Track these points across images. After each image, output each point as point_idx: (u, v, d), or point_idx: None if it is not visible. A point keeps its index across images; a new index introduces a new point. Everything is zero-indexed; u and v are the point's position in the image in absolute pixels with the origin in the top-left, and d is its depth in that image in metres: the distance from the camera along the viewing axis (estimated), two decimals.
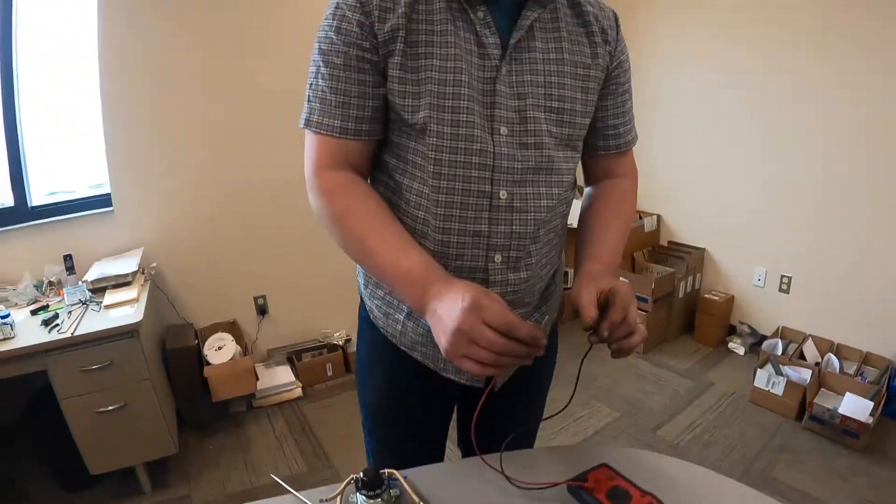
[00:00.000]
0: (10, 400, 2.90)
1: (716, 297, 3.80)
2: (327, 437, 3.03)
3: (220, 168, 3.28)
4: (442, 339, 0.87)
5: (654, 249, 4.20)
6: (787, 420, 2.99)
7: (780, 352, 3.29)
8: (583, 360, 1.11)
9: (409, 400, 1.28)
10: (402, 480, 0.96)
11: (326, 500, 0.92)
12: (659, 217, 4.25)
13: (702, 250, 3.99)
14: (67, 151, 3.13)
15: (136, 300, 2.64)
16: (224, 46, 3.16)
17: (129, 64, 2.96)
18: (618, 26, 1.18)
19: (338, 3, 1.01)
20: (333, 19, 1.01)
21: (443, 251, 1.08)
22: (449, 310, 0.86)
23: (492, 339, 0.82)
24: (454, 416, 1.42)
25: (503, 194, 1.05)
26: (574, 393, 1.20)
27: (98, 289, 2.74)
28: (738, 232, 3.76)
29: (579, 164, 1.24)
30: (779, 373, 3.05)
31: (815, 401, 2.85)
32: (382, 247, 0.99)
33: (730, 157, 3.71)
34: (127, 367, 2.49)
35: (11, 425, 3.00)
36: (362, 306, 1.32)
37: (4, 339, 2.31)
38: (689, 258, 3.89)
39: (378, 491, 0.90)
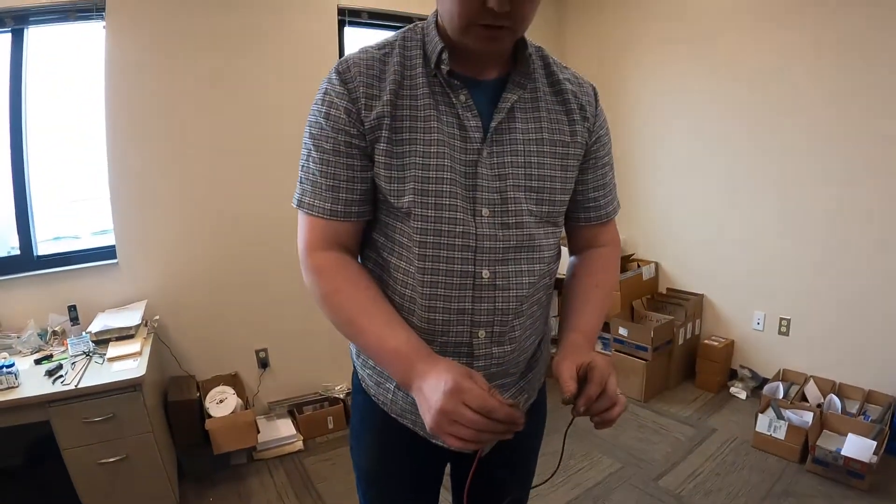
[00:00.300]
0: (13, 445, 2.92)
1: (715, 343, 3.81)
2: (328, 491, 3.01)
3: (224, 222, 3.35)
4: (426, 416, 0.91)
5: (653, 297, 4.22)
6: (790, 464, 2.96)
7: (781, 395, 3.29)
8: (566, 433, 1.17)
9: (400, 465, 1.31)
10: None
11: None
12: (657, 265, 4.28)
13: (700, 296, 4.01)
14: (73, 197, 3.22)
15: (139, 353, 2.66)
16: (231, 102, 3.27)
17: (136, 116, 3.06)
18: (597, 101, 1.23)
19: (326, 88, 1.07)
20: (322, 105, 1.07)
21: (429, 328, 1.11)
22: (433, 390, 0.90)
23: (472, 420, 0.86)
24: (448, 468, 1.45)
25: (486, 273, 1.09)
26: (559, 464, 1.29)
27: (101, 340, 2.77)
28: (736, 276, 3.80)
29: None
30: (780, 417, 3.05)
31: (818, 443, 2.84)
32: (370, 326, 1.04)
33: (726, 203, 3.77)
34: (129, 420, 2.50)
35: (14, 470, 3.00)
36: (355, 374, 1.36)
37: (9, 388, 2.33)
38: (687, 304, 3.92)
39: None
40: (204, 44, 3.19)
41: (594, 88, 1.24)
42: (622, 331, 3.80)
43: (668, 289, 4.24)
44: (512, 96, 1.10)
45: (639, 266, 4.24)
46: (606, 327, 4.04)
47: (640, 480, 2.96)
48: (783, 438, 2.99)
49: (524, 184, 1.09)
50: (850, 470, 2.70)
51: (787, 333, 3.55)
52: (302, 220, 1.12)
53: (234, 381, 3.45)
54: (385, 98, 1.05)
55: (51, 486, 2.64)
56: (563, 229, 1.28)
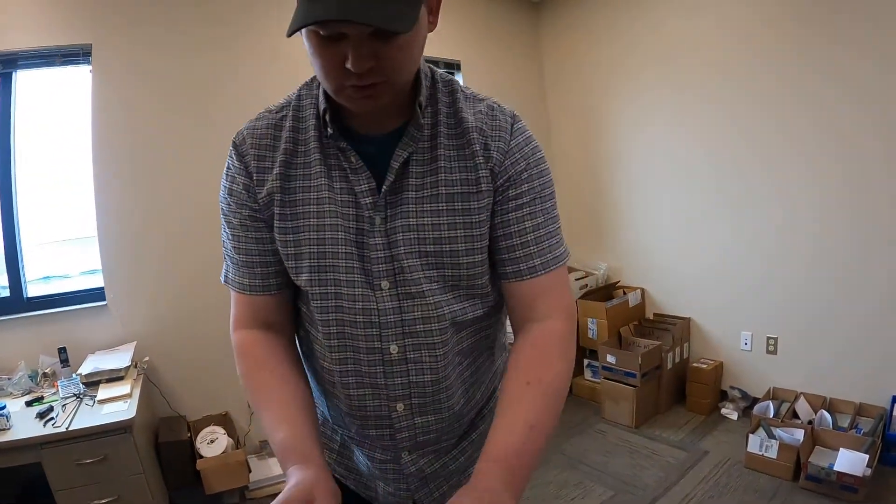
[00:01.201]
0: (5, 485, 2.85)
1: (704, 366, 3.83)
2: None
3: (213, 261, 3.34)
4: None
5: (640, 323, 4.25)
6: (783, 482, 2.96)
7: (771, 413, 3.31)
8: None
9: None
10: None
11: None
12: (643, 290, 4.32)
13: (687, 319, 4.04)
14: (62, 237, 3.25)
15: (129, 395, 2.66)
16: (217, 140, 3.29)
17: (121, 157, 3.11)
18: (513, 131, 1.03)
19: (228, 163, 1.05)
20: (226, 180, 1.05)
21: (347, 401, 1.10)
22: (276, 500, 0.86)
23: None
24: None
25: (393, 349, 1.03)
26: None
27: (91, 382, 2.75)
28: (722, 298, 3.84)
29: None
30: (771, 436, 3.06)
31: (811, 460, 2.85)
32: (266, 414, 1.00)
33: (710, 227, 3.84)
34: (120, 461, 2.49)
35: None
36: None
37: (0, 431, 2.32)
38: (674, 329, 3.94)
39: None
40: (189, 83, 3.25)
41: (512, 117, 1.05)
42: (610, 358, 3.81)
43: (654, 314, 4.27)
44: (403, 153, 0.98)
45: (624, 293, 4.28)
46: (594, 355, 4.07)
47: None
48: (775, 457, 3.00)
49: (418, 249, 0.99)
50: (844, 484, 2.71)
51: (774, 352, 3.59)
52: (231, 296, 1.11)
53: (224, 420, 3.42)
54: (276, 171, 1.01)
55: None
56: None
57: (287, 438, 0.94)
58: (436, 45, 3.92)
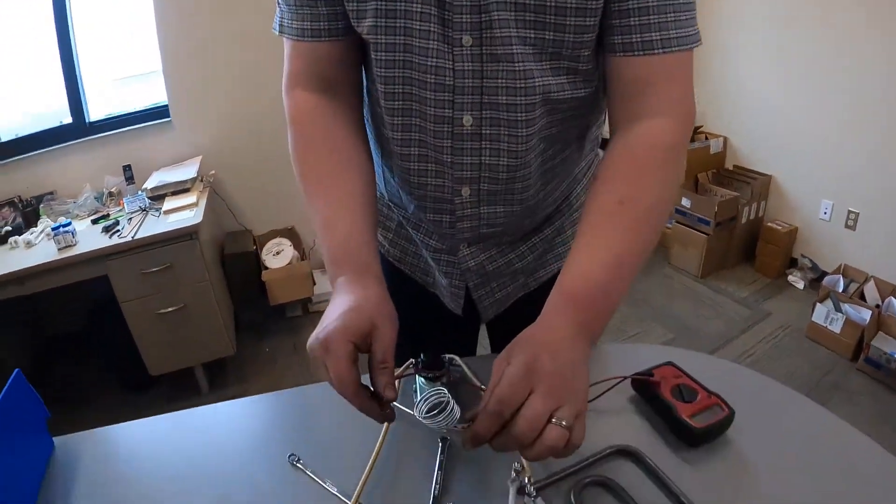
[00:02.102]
0: (74, 309, 3.08)
1: (779, 227, 3.66)
2: None
3: (277, 73, 3.24)
4: (312, 336, 0.72)
5: (719, 172, 4.03)
6: (841, 360, 2.91)
7: (840, 289, 3.17)
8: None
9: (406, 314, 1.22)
10: (463, 366, 0.91)
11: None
12: (725, 139, 4.05)
13: (768, 177, 3.80)
14: (123, 74, 3.21)
15: (195, 205, 2.71)
16: None
17: None
18: None
19: None
20: None
21: (404, 177, 0.95)
22: (326, 316, 0.74)
23: (327, 380, 0.70)
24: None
25: (467, 120, 0.85)
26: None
27: (157, 196, 2.82)
28: (808, 161, 3.56)
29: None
30: (838, 309, 2.96)
31: (873, 343, 2.76)
32: (317, 204, 0.86)
33: (806, 82, 3.46)
34: (186, 269, 2.58)
35: (76, 334, 3.19)
36: None
37: (67, 247, 2.42)
38: (754, 184, 3.73)
39: (438, 373, 0.86)
40: None
41: None
42: (685, 202, 3.67)
43: (734, 166, 4.03)
44: None
45: (707, 139, 4.02)
46: None
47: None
48: (838, 332, 2.92)
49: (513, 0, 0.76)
50: None
51: (853, 228, 3.36)
52: (285, 49, 0.92)
53: (290, 234, 3.49)
54: None
55: (113, 343, 2.78)
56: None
57: (342, 242, 0.82)
58: None
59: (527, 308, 0.88)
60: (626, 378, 0.87)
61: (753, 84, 3.76)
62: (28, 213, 2.77)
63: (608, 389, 0.85)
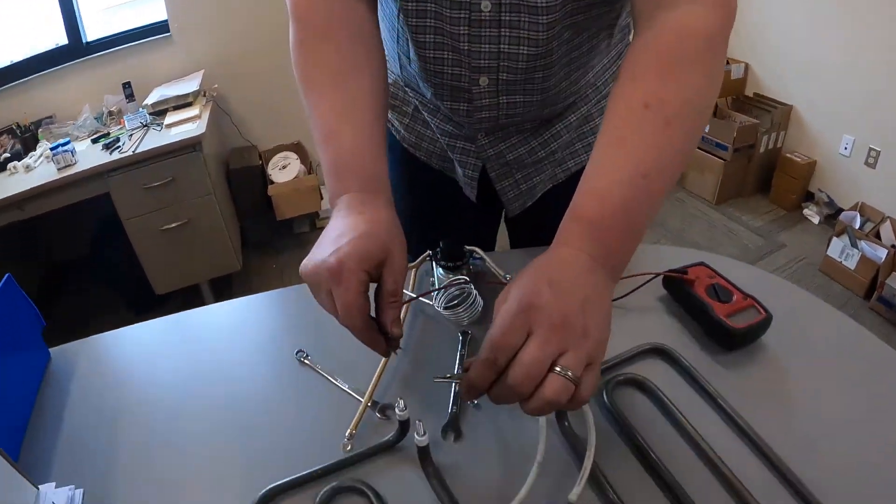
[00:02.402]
0: (78, 236, 3.05)
1: (798, 159, 3.57)
2: None
3: None
4: (308, 258, 0.64)
5: (738, 98, 3.92)
6: (854, 296, 2.88)
7: (857, 226, 3.11)
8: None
9: (423, 202, 1.13)
10: (485, 256, 0.87)
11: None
12: (747, 65, 3.91)
13: (789, 107, 3.68)
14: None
15: (199, 117, 2.64)
16: None
17: None
18: None
19: None
20: None
21: (422, 65, 0.88)
22: (328, 238, 0.64)
23: (330, 311, 0.62)
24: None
25: (485, 5, 0.77)
26: None
27: (159, 112, 2.74)
28: (831, 94, 3.42)
29: None
30: (854, 245, 2.90)
31: (888, 281, 2.71)
32: (321, 106, 0.74)
33: (834, 12, 3.29)
34: (189, 182, 2.54)
35: (81, 260, 3.17)
36: None
37: (66, 166, 2.36)
38: (774, 112, 3.63)
39: (459, 262, 0.80)
40: None
41: None
42: None
43: (755, 93, 3.91)
44: None
45: (728, 63, 3.87)
46: None
47: None
48: (853, 268, 2.88)
49: None
50: None
51: (873, 166, 3.26)
52: None
53: (297, 148, 3.41)
54: None
55: (118, 266, 2.76)
56: None
57: (349, 152, 0.71)
58: None
59: (554, 202, 0.84)
60: (658, 275, 0.83)
61: (779, 10, 3.60)
62: (27, 139, 2.71)
63: (639, 286, 0.82)
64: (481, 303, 0.76)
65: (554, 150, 1.01)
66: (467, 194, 1.07)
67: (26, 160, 2.50)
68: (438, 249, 0.82)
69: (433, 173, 1.09)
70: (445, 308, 0.75)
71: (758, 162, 3.69)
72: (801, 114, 3.64)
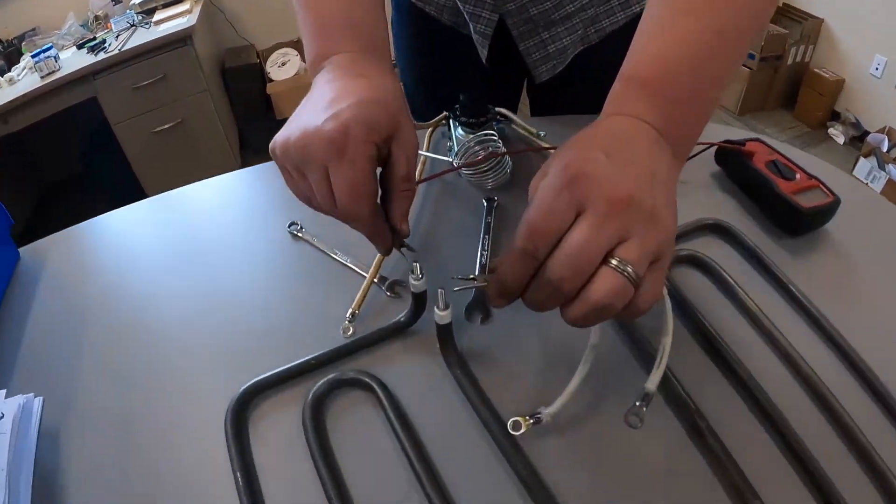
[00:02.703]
0: (70, 152, 2.97)
1: (826, 75, 3.42)
2: None
3: None
4: (283, 130, 0.49)
5: None
6: None
7: (885, 148, 2.97)
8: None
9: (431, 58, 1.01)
10: (512, 116, 0.76)
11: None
12: None
13: (819, 20, 3.50)
14: None
15: (189, 12, 2.52)
16: None
17: None
18: None
19: None
20: None
21: None
22: (316, 106, 0.47)
23: (321, 197, 0.47)
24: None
25: None
26: None
27: (147, 11, 2.62)
28: (865, 11, 3.23)
29: None
30: (881, 167, 2.81)
31: None
32: None
33: None
34: (181, 79, 2.42)
35: (74, 176, 3.09)
36: None
37: (50, 73, 2.26)
38: (805, 24, 3.46)
39: (482, 119, 0.68)
40: None
41: None
42: None
43: (785, 3, 3.71)
44: None
45: None
46: None
47: None
48: (879, 191, 2.76)
49: None
50: None
51: None
52: None
53: (297, 45, 3.23)
54: None
55: (111, 177, 2.66)
56: None
57: (345, 6, 0.55)
58: None
59: (585, 70, 0.77)
60: (712, 145, 0.72)
61: None
62: (11, 54, 2.61)
63: (690, 157, 0.69)
64: (510, 163, 0.64)
65: (584, 3, 0.84)
66: (480, 55, 0.91)
67: (9, 74, 2.41)
68: (457, 106, 0.70)
69: (445, 32, 0.93)
70: (467, 170, 0.64)
71: (784, 74, 3.56)
72: (832, 29, 3.47)
